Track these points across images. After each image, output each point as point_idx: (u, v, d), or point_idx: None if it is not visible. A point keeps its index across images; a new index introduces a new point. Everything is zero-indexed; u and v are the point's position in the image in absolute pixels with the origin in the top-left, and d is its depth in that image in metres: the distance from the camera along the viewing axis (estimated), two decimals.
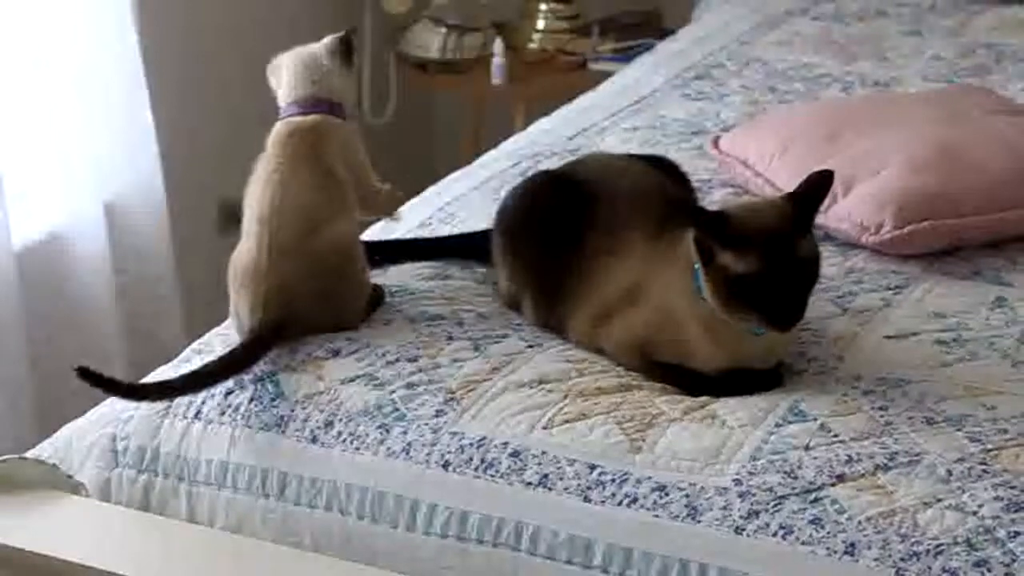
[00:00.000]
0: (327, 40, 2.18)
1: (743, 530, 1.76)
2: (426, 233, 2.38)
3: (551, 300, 2.08)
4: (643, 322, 1.98)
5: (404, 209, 2.25)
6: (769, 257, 1.86)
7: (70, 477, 2.02)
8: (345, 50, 2.16)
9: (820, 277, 1.92)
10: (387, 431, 1.92)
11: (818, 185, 1.93)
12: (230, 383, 2.01)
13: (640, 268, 2.00)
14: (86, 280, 3.03)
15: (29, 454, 2.07)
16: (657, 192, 2.10)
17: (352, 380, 1.99)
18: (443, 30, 3.85)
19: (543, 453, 1.87)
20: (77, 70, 2.99)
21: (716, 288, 1.88)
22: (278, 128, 2.12)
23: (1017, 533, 1.70)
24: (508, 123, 3.63)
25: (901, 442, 1.84)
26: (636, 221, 2.03)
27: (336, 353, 2.04)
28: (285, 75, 2.15)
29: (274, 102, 2.25)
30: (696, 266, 1.90)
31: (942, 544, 1.70)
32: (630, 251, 2.02)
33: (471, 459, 1.88)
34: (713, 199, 2.48)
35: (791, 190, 1.97)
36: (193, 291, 3.23)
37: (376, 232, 2.38)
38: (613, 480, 1.83)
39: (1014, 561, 1.67)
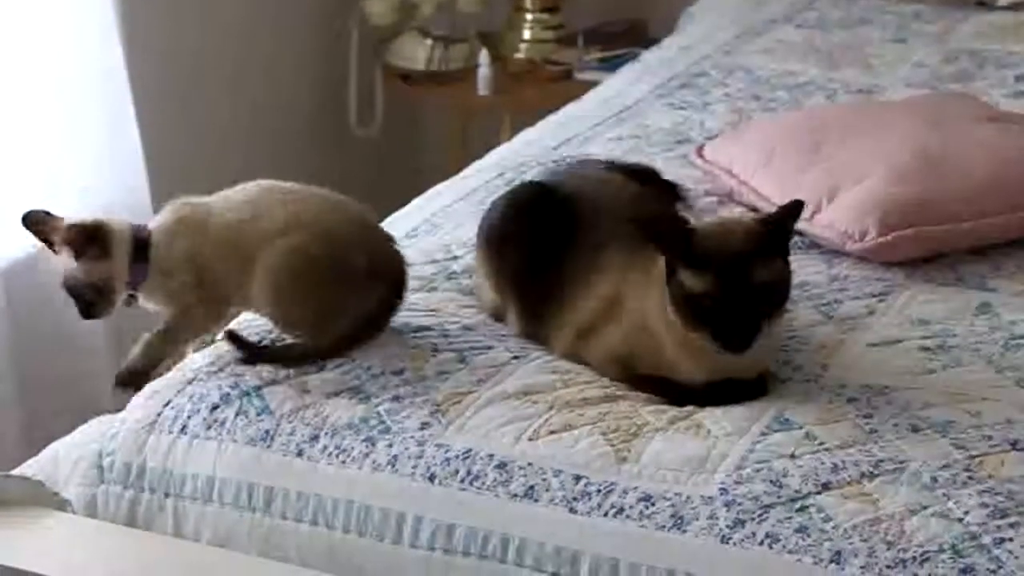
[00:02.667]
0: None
1: (729, 539, 1.76)
2: (412, 243, 2.38)
3: (535, 312, 2.09)
4: (623, 336, 1.99)
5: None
6: (722, 278, 1.87)
7: (56, 494, 2.02)
8: None
9: (787, 298, 1.92)
10: (373, 444, 1.93)
11: (788, 214, 1.93)
12: (216, 398, 2.01)
13: (620, 282, 2.01)
14: None
15: (15, 471, 2.06)
16: (639, 205, 2.10)
17: (337, 394, 1.99)
18: (429, 41, 3.85)
19: (529, 465, 1.87)
20: (63, 87, 2.99)
21: (675, 304, 1.90)
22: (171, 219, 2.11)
23: (1003, 540, 1.71)
24: (494, 133, 3.64)
25: (886, 449, 1.84)
26: (618, 234, 2.03)
27: (321, 367, 2.04)
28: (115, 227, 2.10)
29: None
30: None
31: (928, 551, 1.70)
32: (611, 265, 2.03)
33: (457, 471, 1.88)
34: (698, 208, 2.49)
35: (771, 209, 1.98)
36: None
37: None
38: (599, 491, 1.83)
39: (1000, 568, 1.68)
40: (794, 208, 1.93)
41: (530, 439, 1.89)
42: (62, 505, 2.02)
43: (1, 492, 2.00)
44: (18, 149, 2.96)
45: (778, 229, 1.92)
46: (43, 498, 2.01)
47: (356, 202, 2.12)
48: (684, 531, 1.78)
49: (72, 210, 2.98)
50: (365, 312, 2.05)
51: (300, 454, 1.94)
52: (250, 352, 2.07)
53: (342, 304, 2.05)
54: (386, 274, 2.07)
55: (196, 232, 2.09)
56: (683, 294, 1.89)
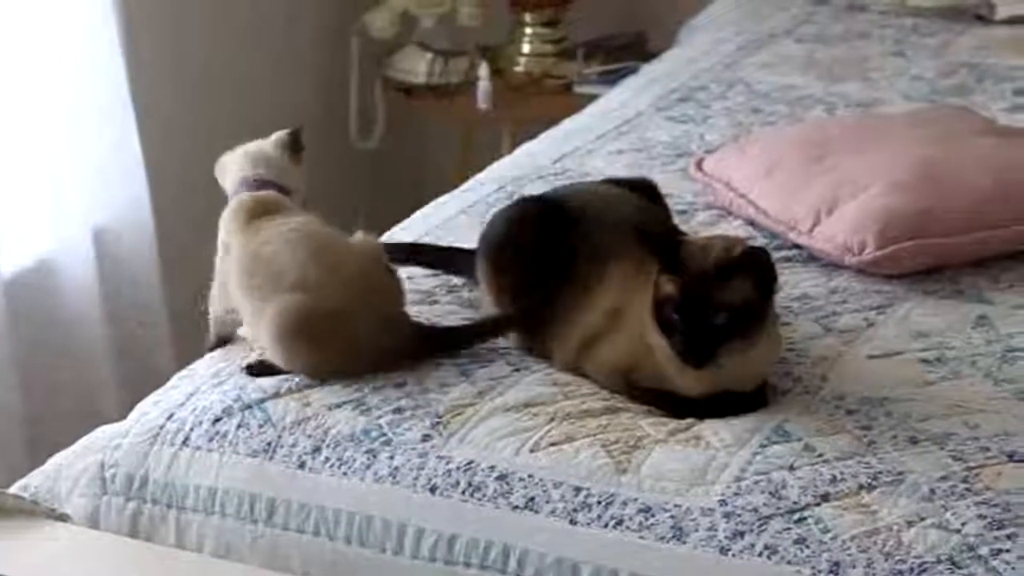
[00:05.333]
0: (276, 135, 2.23)
1: (728, 550, 1.77)
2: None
3: (536, 326, 2.10)
4: (624, 349, 2.00)
5: None
6: (686, 288, 1.89)
7: (53, 510, 2.03)
8: (293, 144, 2.22)
9: (755, 326, 1.91)
10: (374, 456, 1.94)
11: (757, 258, 1.93)
12: (218, 411, 2.02)
13: (621, 296, 2.02)
14: (75, 307, 3.04)
15: (17, 485, 2.07)
16: (640, 220, 2.11)
17: (339, 406, 2.00)
18: (429, 55, 3.86)
19: (529, 476, 1.88)
20: (65, 97, 3.00)
21: (652, 307, 1.92)
22: (237, 202, 2.14)
23: (1000, 551, 1.71)
24: (495, 146, 3.65)
25: (885, 461, 1.85)
26: (619, 249, 2.05)
27: (323, 379, 2.05)
28: (231, 167, 2.20)
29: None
30: None
31: (926, 563, 1.71)
32: (613, 279, 2.04)
33: (458, 483, 1.89)
34: (697, 221, 2.50)
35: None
36: (182, 317, 3.24)
37: None
38: (599, 502, 1.84)
39: None
40: (764, 259, 1.94)
41: (531, 451, 1.90)
42: (61, 520, 2.03)
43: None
44: (22, 163, 2.97)
45: (750, 262, 1.92)
46: (39, 515, 2.02)
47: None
48: (684, 542, 1.79)
49: (74, 220, 3.02)
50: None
51: (302, 466, 1.95)
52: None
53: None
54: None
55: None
56: (655, 297, 1.92)
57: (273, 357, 2.06)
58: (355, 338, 2.03)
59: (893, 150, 2.50)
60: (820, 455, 1.86)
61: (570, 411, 1.96)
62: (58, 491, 2.05)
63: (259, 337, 2.08)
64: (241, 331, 2.17)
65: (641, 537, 1.80)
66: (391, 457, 1.93)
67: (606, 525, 1.82)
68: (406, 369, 2.05)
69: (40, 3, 2.94)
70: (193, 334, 2.30)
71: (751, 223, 2.48)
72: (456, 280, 2.30)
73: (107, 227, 3.12)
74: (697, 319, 1.89)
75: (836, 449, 1.87)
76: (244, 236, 2.09)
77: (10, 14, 2.91)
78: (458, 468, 1.90)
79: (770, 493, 1.81)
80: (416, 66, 3.87)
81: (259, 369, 2.08)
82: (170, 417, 2.05)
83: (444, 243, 2.44)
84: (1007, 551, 1.71)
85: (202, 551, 1.97)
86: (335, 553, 1.91)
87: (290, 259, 2.03)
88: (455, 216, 2.56)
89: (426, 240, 2.46)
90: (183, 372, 2.16)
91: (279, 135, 2.23)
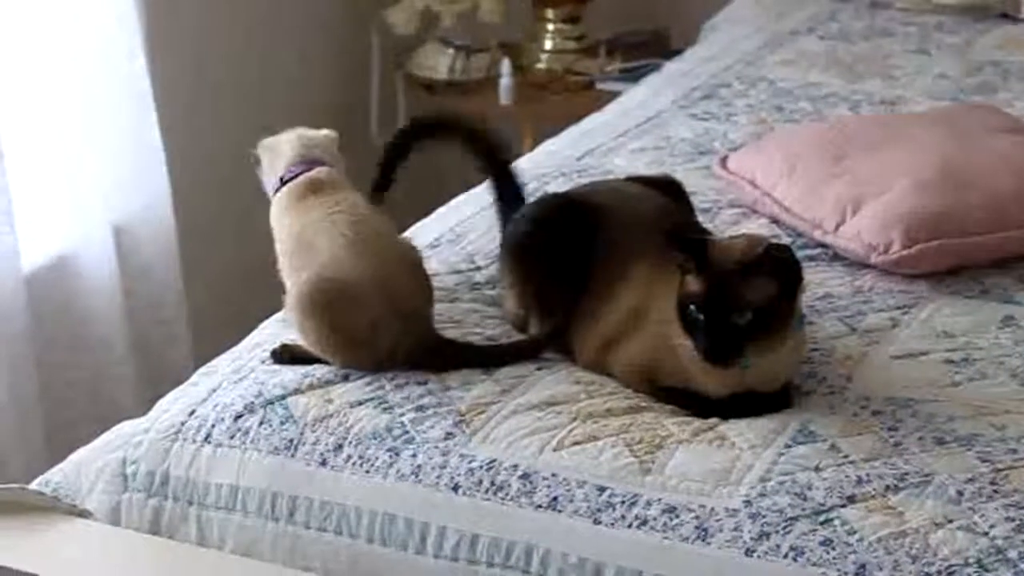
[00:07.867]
0: (325, 132, 2.30)
1: (753, 552, 1.76)
2: (435, 253, 2.38)
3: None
4: (647, 348, 1.99)
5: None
6: (710, 287, 1.87)
7: (74, 506, 2.02)
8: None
9: (779, 326, 1.89)
10: (397, 454, 1.93)
11: (784, 259, 1.92)
12: (239, 407, 2.02)
13: (645, 294, 2.02)
14: (95, 303, 3.04)
15: (37, 480, 2.07)
16: (664, 219, 2.10)
17: (361, 403, 2.00)
18: (451, 51, 3.85)
19: (553, 475, 1.87)
20: (85, 93, 3.00)
21: (676, 306, 1.91)
22: (292, 187, 2.18)
23: None
24: (516, 144, 3.63)
25: (911, 463, 1.84)
26: (643, 248, 2.04)
27: (345, 377, 2.04)
28: (285, 148, 2.25)
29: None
30: None
31: (953, 566, 1.70)
32: (636, 277, 2.03)
33: (481, 482, 1.88)
34: (721, 219, 2.48)
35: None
36: (201, 314, 3.24)
37: None
38: (623, 502, 1.83)
39: None
40: (789, 258, 1.92)
41: (554, 450, 1.89)
42: (82, 516, 2.02)
43: (19, 505, 2.00)
44: (41, 159, 2.96)
45: (774, 260, 1.90)
46: (60, 512, 2.01)
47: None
48: (708, 543, 1.77)
49: (94, 216, 3.02)
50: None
51: (324, 463, 1.94)
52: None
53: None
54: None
55: None
56: (679, 296, 1.91)
57: (293, 328, 2.09)
58: (370, 321, 2.03)
59: (917, 149, 2.48)
60: (846, 456, 1.85)
61: (593, 410, 1.95)
62: (79, 487, 2.04)
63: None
64: None
65: (665, 538, 1.79)
66: (413, 455, 1.92)
67: (630, 525, 1.81)
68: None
69: None
70: (212, 331, 2.29)
71: (775, 221, 2.47)
72: (479, 278, 2.30)
73: (127, 224, 3.11)
74: (721, 318, 1.88)
75: (862, 450, 1.86)
76: (291, 217, 2.14)
77: (28, 7, 2.91)
78: (481, 467, 1.89)
79: (795, 494, 1.80)
80: (437, 62, 3.86)
81: (283, 354, 2.08)
82: (191, 414, 2.04)
83: (465, 241, 2.43)
84: None
85: (223, 549, 1.96)
86: (357, 551, 1.90)
87: (327, 242, 2.08)
88: (477, 213, 2.55)
89: (448, 236, 2.46)
90: (204, 368, 2.16)
91: (336, 134, 2.30)
